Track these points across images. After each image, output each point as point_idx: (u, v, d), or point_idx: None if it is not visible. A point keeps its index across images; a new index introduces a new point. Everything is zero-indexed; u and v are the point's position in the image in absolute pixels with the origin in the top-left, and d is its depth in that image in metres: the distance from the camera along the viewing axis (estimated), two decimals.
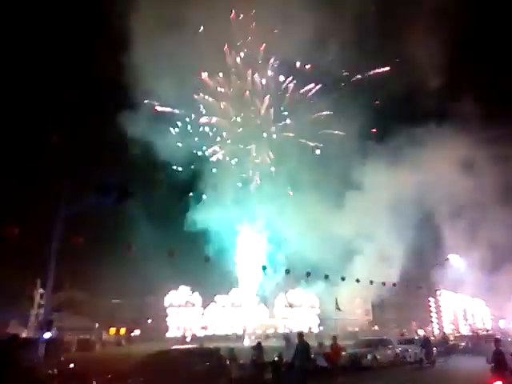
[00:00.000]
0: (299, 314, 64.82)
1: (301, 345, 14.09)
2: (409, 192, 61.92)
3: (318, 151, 72.92)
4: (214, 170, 73.52)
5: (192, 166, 72.45)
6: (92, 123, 62.53)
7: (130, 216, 67.66)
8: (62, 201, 18.28)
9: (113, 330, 61.08)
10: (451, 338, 32.22)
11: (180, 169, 71.46)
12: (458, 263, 49.89)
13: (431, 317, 52.21)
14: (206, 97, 73.08)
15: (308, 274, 40.58)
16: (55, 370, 14.89)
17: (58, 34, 68.10)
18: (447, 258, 48.85)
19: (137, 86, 63.22)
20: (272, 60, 73.57)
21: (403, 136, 62.80)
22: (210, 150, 74.13)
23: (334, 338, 18.66)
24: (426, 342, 24.50)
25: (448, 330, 49.70)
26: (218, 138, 75.20)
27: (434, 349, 25.28)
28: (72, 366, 17.49)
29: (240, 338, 51.29)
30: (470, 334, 35.03)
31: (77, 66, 73.04)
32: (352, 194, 64.64)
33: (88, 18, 68.04)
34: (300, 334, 14.62)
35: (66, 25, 70.69)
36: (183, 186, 72.37)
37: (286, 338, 34.85)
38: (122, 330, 61.38)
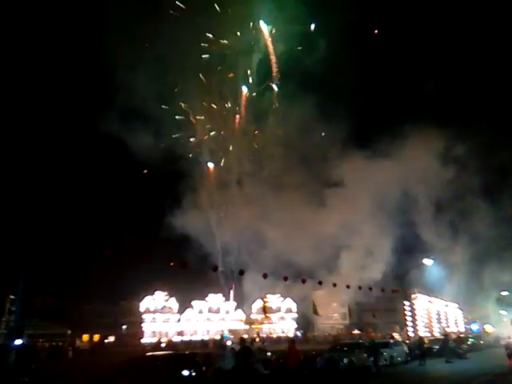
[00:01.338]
0: (276, 319, 64.89)
1: (243, 351, 13.86)
2: (386, 196, 63.11)
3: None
4: (192, 172, 72.74)
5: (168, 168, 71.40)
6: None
7: (105, 220, 66.84)
8: (33, 207, 17.84)
9: (86, 337, 59.81)
10: (426, 341, 32.55)
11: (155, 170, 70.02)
12: (432, 267, 50.78)
13: (406, 320, 52.79)
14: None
15: (285, 279, 40.66)
16: (26, 378, 14.49)
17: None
18: (422, 262, 49.59)
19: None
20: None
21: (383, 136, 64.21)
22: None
23: (291, 341, 17.87)
24: (373, 347, 22.50)
25: (422, 333, 50.39)
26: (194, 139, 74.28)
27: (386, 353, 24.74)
28: (43, 373, 17.04)
29: (217, 343, 50.88)
30: (443, 336, 35.54)
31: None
32: (332, 194, 65.42)
33: None
34: (242, 340, 14.39)
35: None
36: (160, 189, 71.67)
37: (221, 345, 34.20)
38: (96, 337, 60.16)
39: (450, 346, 30.94)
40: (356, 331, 62.15)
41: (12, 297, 44.57)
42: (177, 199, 69.33)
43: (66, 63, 67.51)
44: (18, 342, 17.22)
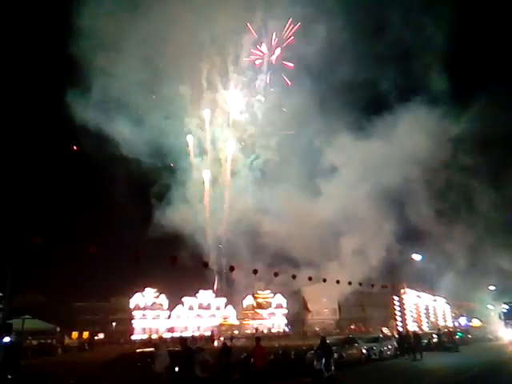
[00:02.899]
0: (266, 315, 65.04)
1: (182, 352, 13.62)
2: (376, 189, 63.50)
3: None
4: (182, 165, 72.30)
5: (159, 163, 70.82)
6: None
7: (93, 215, 66.28)
8: (20, 202, 17.61)
9: (75, 334, 59.43)
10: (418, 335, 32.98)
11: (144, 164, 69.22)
12: (420, 261, 51.28)
13: (395, 315, 53.35)
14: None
15: (276, 274, 40.84)
16: (14, 376, 14.36)
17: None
18: (411, 257, 50.11)
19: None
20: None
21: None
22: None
23: (257, 339, 16.37)
24: (324, 347, 18.10)
25: (411, 327, 50.92)
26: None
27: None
28: (32, 371, 16.90)
29: (208, 339, 50.90)
30: (436, 331, 36.31)
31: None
32: (324, 184, 65.64)
33: None
34: (182, 340, 13.85)
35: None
36: (149, 184, 71.00)
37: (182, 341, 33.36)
38: (85, 334, 59.79)
39: (444, 340, 31.62)
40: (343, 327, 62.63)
41: (0, 294, 44.20)
42: (166, 194, 69.10)
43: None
44: (7, 339, 17.04)
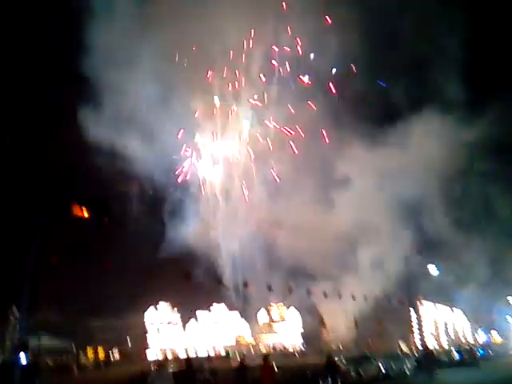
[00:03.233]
0: (281, 330, 64.23)
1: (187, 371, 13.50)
2: (392, 200, 62.71)
3: None
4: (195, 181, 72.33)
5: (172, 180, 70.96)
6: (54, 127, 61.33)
7: (108, 233, 66.40)
8: (36, 221, 17.74)
9: (91, 352, 59.28)
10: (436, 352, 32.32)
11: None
12: (437, 273, 50.24)
13: (413, 330, 52.30)
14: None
15: (290, 290, 40.55)
16: None
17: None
18: (427, 269, 49.16)
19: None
20: None
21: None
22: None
23: (265, 357, 15.73)
24: (330, 365, 16.86)
25: (429, 343, 49.85)
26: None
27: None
28: None
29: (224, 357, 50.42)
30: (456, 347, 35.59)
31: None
32: (339, 196, 65.13)
33: None
34: (187, 360, 13.60)
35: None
36: (162, 200, 71.06)
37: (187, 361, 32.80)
38: (101, 352, 59.63)
39: (465, 357, 30.94)
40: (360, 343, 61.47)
41: (16, 311, 44.54)
42: (179, 209, 69.14)
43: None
44: (23, 357, 17.07)
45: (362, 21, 63.86)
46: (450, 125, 62.57)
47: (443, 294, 60.13)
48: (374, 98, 68.47)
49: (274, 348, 59.24)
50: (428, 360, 26.08)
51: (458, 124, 62.64)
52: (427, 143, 63.29)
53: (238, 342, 60.30)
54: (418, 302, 55.60)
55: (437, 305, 61.26)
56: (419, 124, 63.98)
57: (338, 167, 66.61)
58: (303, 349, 61.62)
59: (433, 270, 48.58)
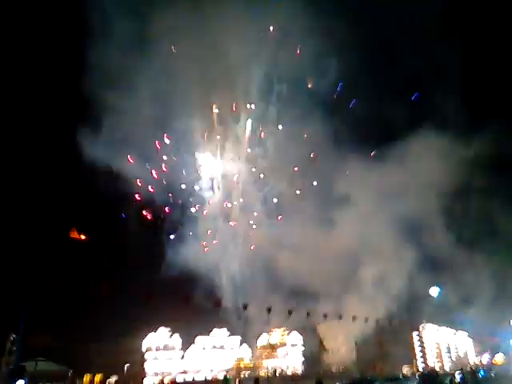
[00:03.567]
0: (282, 354, 63.30)
1: None
2: (393, 222, 62.49)
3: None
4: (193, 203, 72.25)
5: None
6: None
7: (106, 256, 66.15)
8: (35, 245, 17.77)
9: (88, 377, 58.24)
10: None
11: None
12: (437, 294, 50.00)
13: (415, 352, 51.55)
14: None
15: (290, 313, 40.19)
16: None
17: None
18: (428, 291, 48.94)
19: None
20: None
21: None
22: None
23: (255, 380, 16.00)
24: None
25: (432, 366, 49.14)
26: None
27: None
28: None
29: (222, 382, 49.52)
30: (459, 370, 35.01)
31: None
32: (339, 215, 64.93)
33: None
34: None
35: None
36: (161, 221, 70.89)
37: None
38: (98, 377, 58.56)
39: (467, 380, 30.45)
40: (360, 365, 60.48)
41: (13, 336, 43.98)
42: (178, 231, 68.96)
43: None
44: (20, 383, 16.88)
45: (360, 41, 65.30)
46: (449, 142, 62.92)
47: (446, 316, 59.45)
48: (372, 117, 69.44)
49: (274, 372, 58.26)
50: (431, 380, 25.73)
51: (456, 140, 62.99)
52: (427, 160, 63.44)
53: (237, 366, 59.29)
54: (419, 324, 55.05)
55: (440, 327, 60.42)
56: (417, 141, 64.18)
57: (338, 186, 66.71)
58: (303, 372, 60.69)
59: (434, 292, 48.40)
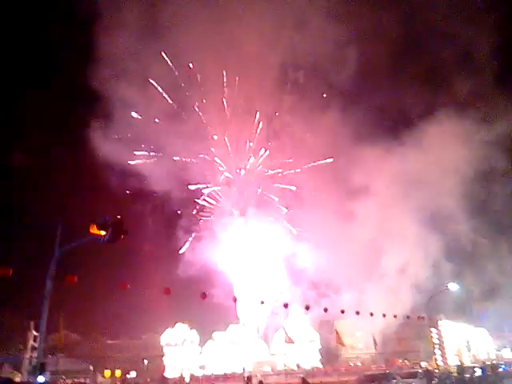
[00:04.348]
0: (299, 350, 63.18)
1: None
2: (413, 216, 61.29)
3: None
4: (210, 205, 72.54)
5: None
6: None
7: (125, 254, 67.00)
8: (55, 241, 18.02)
9: (108, 373, 59.16)
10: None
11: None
12: (458, 291, 49.15)
13: (434, 348, 50.80)
14: None
15: (307, 308, 40.06)
16: None
17: None
18: (446, 287, 48.11)
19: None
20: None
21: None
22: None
23: (247, 378, 15.13)
24: None
25: (452, 361, 48.48)
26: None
27: None
28: None
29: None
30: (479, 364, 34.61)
31: None
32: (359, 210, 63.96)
33: None
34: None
35: None
36: (178, 219, 71.39)
37: None
38: (118, 372, 59.41)
39: (488, 374, 30.11)
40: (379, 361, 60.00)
41: (35, 333, 44.87)
42: (195, 229, 69.47)
43: None
44: (41, 379, 17.16)
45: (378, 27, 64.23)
46: (470, 125, 61.14)
47: (466, 312, 58.61)
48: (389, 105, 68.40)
49: (298, 366, 58.32)
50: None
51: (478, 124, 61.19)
52: (447, 146, 61.81)
53: (255, 361, 59.47)
54: (438, 320, 54.28)
55: (459, 323, 59.55)
56: (435, 127, 62.54)
57: (357, 177, 65.40)
58: (320, 367, 60.54)
59: (453, 287, 47.55)
